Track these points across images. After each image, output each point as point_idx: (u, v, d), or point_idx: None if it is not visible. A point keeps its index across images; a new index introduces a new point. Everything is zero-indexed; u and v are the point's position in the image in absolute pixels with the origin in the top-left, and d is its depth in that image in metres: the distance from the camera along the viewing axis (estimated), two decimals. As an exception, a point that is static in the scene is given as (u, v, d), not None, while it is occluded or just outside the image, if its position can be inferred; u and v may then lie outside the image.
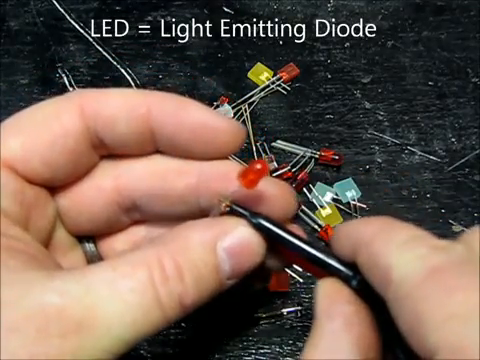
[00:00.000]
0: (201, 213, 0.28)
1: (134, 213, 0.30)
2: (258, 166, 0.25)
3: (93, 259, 0.31)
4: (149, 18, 0.55)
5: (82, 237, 0.31)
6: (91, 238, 0.31)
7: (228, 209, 0.26)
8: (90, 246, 0.31)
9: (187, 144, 0.27)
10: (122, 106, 0.27)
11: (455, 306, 0.19)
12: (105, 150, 0.28)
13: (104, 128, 0.27)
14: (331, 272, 0.25)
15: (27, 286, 0.22)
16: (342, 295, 0.24)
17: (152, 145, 0.28)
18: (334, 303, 0.23)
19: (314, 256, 0.25)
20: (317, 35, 0.54)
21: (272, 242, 0.27)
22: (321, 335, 0.22)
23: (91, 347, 0.22)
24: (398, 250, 0.21)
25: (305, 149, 0.47)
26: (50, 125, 0.26)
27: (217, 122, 0.27)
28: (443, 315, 0.19)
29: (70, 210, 0.29)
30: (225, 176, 0.28)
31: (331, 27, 0.54)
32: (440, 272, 0.20)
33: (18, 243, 0.24)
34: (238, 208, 0.26)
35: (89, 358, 0.22)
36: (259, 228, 0.26)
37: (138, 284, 0.23)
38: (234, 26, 0.54)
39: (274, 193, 0.27)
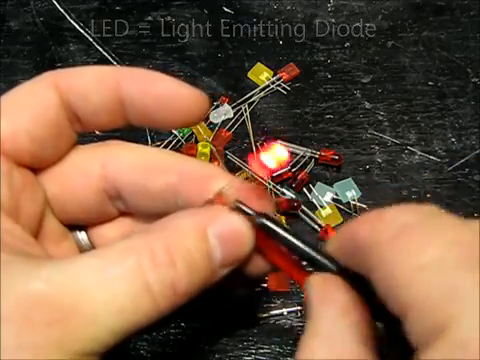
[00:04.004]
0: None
1: (119, 203, 0.31)
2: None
3: (85, 248, 0.31)
4: (149, 18, 0.55)
5: (73, 226, 0.31)
6: (82, 228, 0.31)
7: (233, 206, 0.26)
8: (82, 235, 0.31)
9: (153, 113, 0.28)
10: (93, 79, 0.28)
11: (423, 259, 0.19)
12: (81, 126, 0.29)
13: (77, 100, 0.28)
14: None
15: (14, 276, 0.22)
16: (336, 285, 0.24)
17: (122, 117, 0.29)
18: (329, 292, 0.23)
19: (317, 260, 0.25)
20: (317, 35, 0.54)
21: (257, 245, 0.27)
22: (319, 322, 0.22)
23: (77, 335, 0.21)
24: (377, 220, 0.22)
25: (305, 149, 0.47)
26: (29, 101, 0.27)
27: (180, 90, 0.28)
28: (412, 270, 0.19)
29: (59, 197, 0.29)
30: (204, 178, 0.28)
31: (331, 27, 0.54)
32: (408, 229, 0.21)
33: (6, 235, 0.24)
34: (244, 207, 0.26)
35: (77, 347, 0.21)
36: (262, 228, 0.26)
37: (126, 271, 0.23)
38: (234, 26, 0.54)
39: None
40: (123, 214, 0.32)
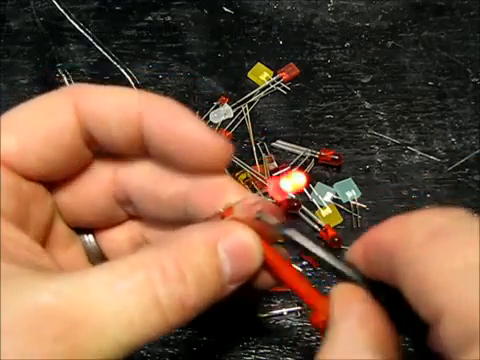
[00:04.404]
0: (187, 220, 0.28)
1: (129, 207, 0.30)
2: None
3: (92, 252, 0.31)
4: (149, 18, 0.55)
5: (81, 230, 0.31)
6: (90, 231, 0.31)
7: (256, 217, 0.26)
8: (89, 238, 0.31)
9: (174, 154, 0.27)
10: (115, 107, 0.27)
11: (455, 263, 0.19)
12: (98, 147, 0.28)
13: (96, 127, 0.27)
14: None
15: (22, 288, 0.21)
16: (356, 296, 0.24)
17: (143, 150, 0.28)
18: (348, 303, 0.23)
19: (343, 272, 0.25)
20: (317, 35, 0.54)
21: (265, 260, 0.26)
22: (336, 335, 0.22)
23: (85, 348, 0.21)
24: (405, 224, 0.22)
25: (305, 149, 0.47)
26: (45, 121, 0.26)
27: (206, 137, 0.27)
28: (448, 273, 0.19)
29: (69, 201, 0.29)
30: (216, 190, 0.28)
31: (331, 27, 0.54)
32: (440, 232, 0.20)
33: (15, 246, 0.23)
34: (267, 218, 0.26)
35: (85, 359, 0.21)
36: (287, 239, 0.26)
37: (136, 285, 0.23)
38: (234, 26, 0.54)
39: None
40: (132, 218, 0.32)
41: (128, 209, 0.31)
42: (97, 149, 0.29)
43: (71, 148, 0.27)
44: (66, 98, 0.27)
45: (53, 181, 0.28)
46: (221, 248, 0.25)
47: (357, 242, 0.25)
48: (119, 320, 0.22)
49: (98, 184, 0.29)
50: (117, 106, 0.27)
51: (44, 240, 0.28)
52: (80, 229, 0.31)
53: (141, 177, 0.29)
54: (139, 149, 0.28)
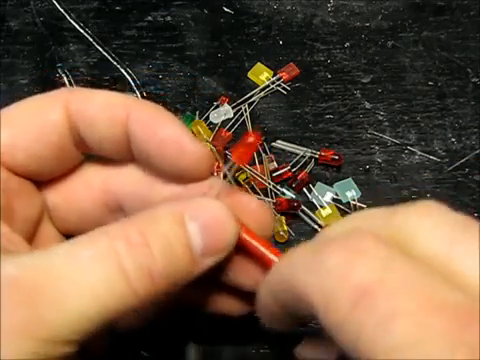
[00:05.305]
0: None
1: (120, 215, 0.30)
2: (250, 139, 0.26)
3: None
4: (149, 18, 0.55)
5: (71, 237, 0.31)
6: None
7: None
8: None
9: (155, 157, 0.27)
10: (102, 107, 0.27)
11: (393, 339, 0.16)
12: (87, 149, 0.29)
13: (85, 128, 0.27)
14: None
15: None
16: None
17: (128, 152, 0.28)
18: None
19: None
20: (317, 35, 0.54)
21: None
22: None
23: (46, 318, 0.21)
24: (304, 269, 0.20)
25: (305, 149, 0.47)
26: (37, 119, 0.27)
27: (185, 142, 0.27)
28: (385, 352, 0.17)
29: (60, 207, 0.29)
30: (205, 189, 0.28)
31: (331, 27, 0.54)
32: (367, 295, 0.17)
33: None
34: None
35: (45, 333, 0.20)
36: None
37: (98, 253, 0.22)
38: (234, 26, 0.54)
39: (252, 209, 0.28)
40: None
41: (120, 217, 0.30)
42: (87, 151, 0.29)
43: (60, 147, 0.28)
44: (57, 98, 0.28)
45: (42, 180, 0.29)
46: (188, 217, 0.25)
47: (264, 282, 0.24)
48: (82, 291, 0.21)
49: (88, 191, 0.29)
50: (105, 106, 0.27)
51: (31, 237, 0.28)
52: (70, 235, 0.31)
53: (132, 184, 0.29)
54: (127, 152, 0.28)
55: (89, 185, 0.29)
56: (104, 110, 0.27)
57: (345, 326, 0.18)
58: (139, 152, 0.28)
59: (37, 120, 0.27)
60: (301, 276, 0.20)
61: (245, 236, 0.27)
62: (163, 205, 0.25)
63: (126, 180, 0.29)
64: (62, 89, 0.28)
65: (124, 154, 0.29)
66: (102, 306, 0.21)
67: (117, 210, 0.30)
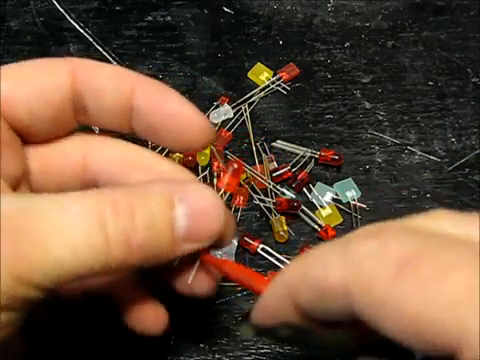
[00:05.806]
0: None
1: None
2: (234, 165, 0.26)
3: None
4: (149, 18, 0.55)
5: None
6: None
7: None
8: None
9: (159, 129, 0.28)
10: (111, 76, 0.28)
11: (453, 291, 0.16)
12: (85, 119, 0.29)
13: (90, 96, 0.28)
14: None
15: None
16: None
17: (129, 125, 0.29)
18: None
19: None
20: (317, 35, 0.54)
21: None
22: None
23: (29, 259, 0.21)
24: (337, 261, 0.19)
25: (305, 149, 0.47)
26: (41, 77, 0.28)
27: (191, 114, 0.28)
28: (441, 308, 0.16)
29: (38, 173, 0.30)
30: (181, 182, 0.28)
31: (331, 27, 0.54)
32: (411, 262, 0.17)
33: None
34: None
35: (24, 270, 0.21)
36: None
37: (85, 209, 0.23)
38: (234, 26, 0.54)
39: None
40: None
41: None
42: (84, 122, 0.30)
43: (60, 109, 0.28)
44: (65, 63, 0.28)
45: (32, 140, 0.29)
46: (178, 199, 0.25)
47: (277, 282, 0.23)
48: (63, 240, 0.22)
49: (68, 165, 0.30)
50: (112, 76, 0.28)
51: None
52: None
53: (111, 164, 0.30)
54: (126, 125, 0.29)
55: (70, 159, 0.30)
56: (111, 80, 0.28)
57: (388, 298, 0.17)
58: (141, 126, 0.29)
59: (42, 78, 0.27)
60: (333, 269, 0.19)
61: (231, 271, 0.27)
62: (157, 182, 0.26)
63: (106, 159, 0.30)
64: (72, 58, 0.29)
65: (125, 128, 0.30)
66: (78, 259, 0.22)
67: (91, 188, 0.30)
